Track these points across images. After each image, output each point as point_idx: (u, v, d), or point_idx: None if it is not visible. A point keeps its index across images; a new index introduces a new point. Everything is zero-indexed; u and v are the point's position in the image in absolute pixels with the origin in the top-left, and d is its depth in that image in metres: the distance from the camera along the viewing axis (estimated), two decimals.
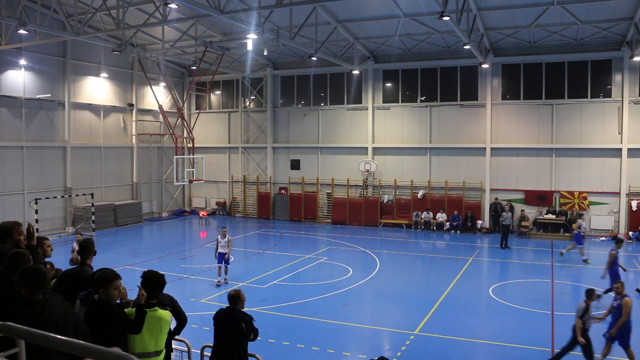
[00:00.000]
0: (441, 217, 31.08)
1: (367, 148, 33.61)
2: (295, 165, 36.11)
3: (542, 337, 13.74)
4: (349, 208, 33.69)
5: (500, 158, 30.78)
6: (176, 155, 32.94)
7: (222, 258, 18.92)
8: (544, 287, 18.86)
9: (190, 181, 32.89)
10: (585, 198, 28.91)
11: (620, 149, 28.19)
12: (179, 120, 35.20)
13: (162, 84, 36.14)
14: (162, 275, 6.59)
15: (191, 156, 33.77)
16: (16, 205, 27.56)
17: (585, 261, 22.65)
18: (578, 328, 11.05)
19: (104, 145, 32.93)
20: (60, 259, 14.80)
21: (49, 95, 29.14)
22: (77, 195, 30.37)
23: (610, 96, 28.67)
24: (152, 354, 6.07)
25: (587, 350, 11.08)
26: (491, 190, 30.90)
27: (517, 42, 29.51)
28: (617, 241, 17.61)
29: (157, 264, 21.81)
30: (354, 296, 17.79)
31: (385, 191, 33.35)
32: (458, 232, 30.38)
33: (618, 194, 28.41)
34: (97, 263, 6.95)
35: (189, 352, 8.49)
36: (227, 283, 18.81)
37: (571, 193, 29.17)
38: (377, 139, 33.52)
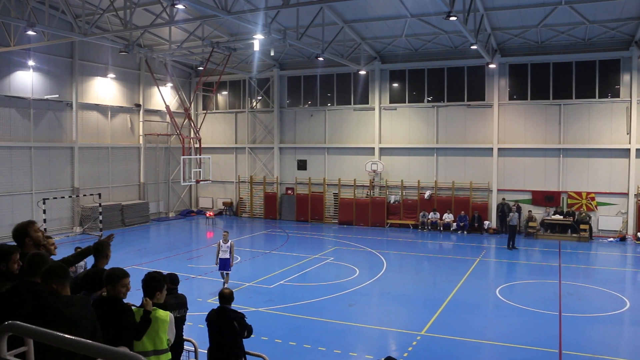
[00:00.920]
0: (448, 217, 31.01)
1: (373, 148, 33.59)
2: (302, 165, 36.13)
3: (549, 338, 13.67)
4: (355, 208, 33.67)
5: (507, 158, 30.69)
6: (183, 155, 33.02)
7: (224, 264, 17.95)
8: (551, 288, 18.78)
9: (197, 181, 32.97)
10: (593, 199, 28.77)
11: (629, 149, 28.04)
12: (186, 120, 35.28)
13: (169, 85, 36.24)
14: (161, 277, 6.66)
15: (198, 156, 33.86)
16: (24, 205, 27.70)
17: None
18: None
19: (112, 146, 33.04)
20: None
21: (57, 95, 29.27)
22: (84, 195, 30.49)
23: (618, 96, 28.53)
24: (151, 353, 6.11)
25: None
26: (498, 190, 30.81)
27: (524, 42, 29.41)
28: None
29: (164, 264, 21.90)
30: (361, 296, 17.78)
31: (392, 191, 33.31)
32: (465, 232, 30.31)
33: (626, 194, 28.26)
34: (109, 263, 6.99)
35: (195, 351, 8.52)
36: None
37: (579, 194, 29.05)
38: (384, 139, 33.49)
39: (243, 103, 38.24)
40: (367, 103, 33.97)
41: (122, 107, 33.77)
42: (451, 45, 30.51)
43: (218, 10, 19.84)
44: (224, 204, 38.29)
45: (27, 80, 27.96)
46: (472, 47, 25.15)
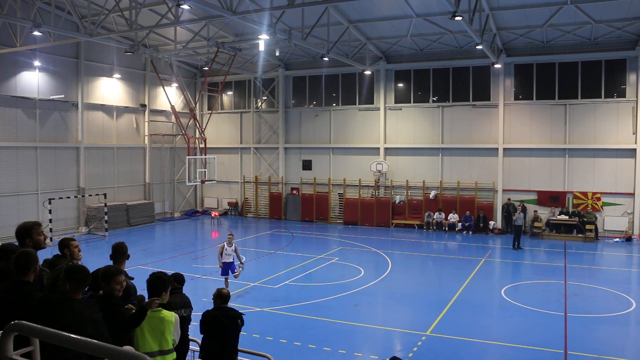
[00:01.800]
0: (453, 217, 30.97)
1: (379, 148, 33.57)
2: (307, 165, 36.13)
3: (555, 338, 13.64)
4: (360, 208, 33.65)
5: (512, 158, 30.62)
6: (188, 155, 33.08)
7: (229, 268, 17.54)
8: (556, 288, 18.73)
9: (202, 181, 33.00)
10: (598, 199, 28.68)
11: (635, 150, 27.94)
12: (191, 120, 35.33)
13: (175, 85, 36.31)
14: (166, 277, 6.67)
15: (203, 156, 33.88)
16: (30, 205, 27.80)
17: None
18: None
19: (117, 146, 33.13)
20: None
21: (63, 96, 29.36)
22: (90, 195, 30.58)
23: (624, 96, 28.42)
24: (157, 353, 6.12)
25: None
26: (504, 190, 30.74)
27: (529, 42, 29.34)
28: None
29: (169, 264, 21.94)
30: (366, 297, 17.77)
31: (397, 192, 33.28)
32: (470, 232, 30.26)
33: (632, 194, 28.15)
34: (110, 262, 6.99)
35: (201, 351, 8.52)
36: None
37: (584, 194, 28.96)
38: (389, 140, 33.46)
39: (248, 103, 38.27)
40: (372, 103, 33.95)
41: (127, 107, 33.85)
42: (456, 45, 30.47)
43: (223, 10, 19.87)
44: (229, 204, 38.34)
45: (33, 80, 28.06)
46: (477, 47, 25.07)
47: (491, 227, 30.29)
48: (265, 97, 37.62)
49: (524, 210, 28.35)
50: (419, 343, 13.38)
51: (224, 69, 33.15)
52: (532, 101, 30.30)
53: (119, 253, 7.10)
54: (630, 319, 15.67)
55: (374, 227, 32.66)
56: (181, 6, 19.22)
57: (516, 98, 30.72)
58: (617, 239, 27.84)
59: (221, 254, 17.57)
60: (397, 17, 26.92)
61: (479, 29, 23.84)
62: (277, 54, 31.22)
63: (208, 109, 38.56)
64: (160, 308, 6.30)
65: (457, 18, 19.08)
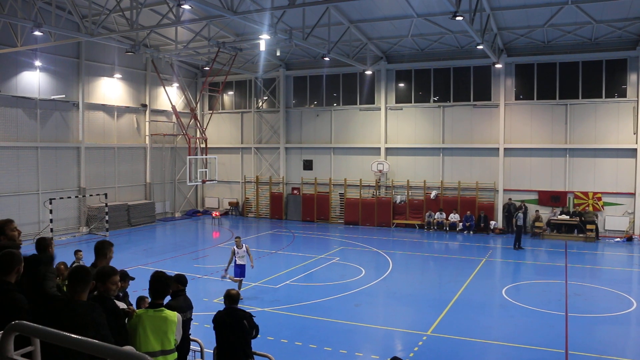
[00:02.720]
0: (454, 217, 30.96)
1: (379, 148, 33.56)
2: (307, 165, 36.13)
3: (556, 338, 13.63)
4: (361, 208, 33.65)
5: (513, 158, 30.61)
6: (189, 155, 33.07)
7: (241, 271, 17.03)
8: (557, 288, 18.72)
9: (203, 181, 33.00)
10: (599, 199, 28.67)
11: (636, 149, 27.92)
12: (192, 120, 35.32)
13: (175, 85, 36.32)
14: (168, 277, 6.66)
15: (204, 156, 33.88)
16: (31, 205, 27.82)
17: None
18: None
19: (118, 146, 33.14)
20: (73, 259, 14.90)
21: (64, 96, 29.37)
22: (91, 195, 30.59)
23: (625, 96, 28.40)
24: (159, 353, 6.12)
25: None
26: (504, 190, 30.73)
27: (530, 41, 29.33)
28: None
29: (170, 264, 21.94)
30: (367, 297, 17.77)
31: (397, 191, 33.28)
32: (471, 232, 30.25)
33: (633, 194, 28.13)
34: (111, 263, 6.99)
35: (201, 352, 8.54)
36: (241, 299, 16.77)
37: (585, 194, 28.95)
38: (390, 140, 33.46)
39: (249, 103, 38.28)
40: (373, 103, 33.95)
41: (128, 107, 33.86)
42: (457, 45, 30.46)
43: (224, 10, 19.87)
44: (230, 204, 38.34)
45: (34, 80, 28.07)
46: (478, 47, 25.07)
47: (492, 227, 30.29)
48: (266, 97, 37.63)
49: (525, 210, 28.35)
50: (420, 343, 13.37)
51: (224, 69, 33.14)
52: (532, 101, 30.29)
53: (98, 251, 7.01)
54: (631, 319, 15.65)
55: (374, 227, 32.65)
56: (182, 6, 19.23)
57: (517, 98, 30.71)
58: (618, 239, 27.82)
59: (232, 258, 17.10)
60: (398, 17, 26.92)
61: (480, 29, 23.83)
62: (278, 54, 31.23)
63: (209, 109, 38.57)
64: (162, 308, 6.30)
65: (458, 18, 19.09)
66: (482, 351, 13.12)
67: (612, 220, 28.56)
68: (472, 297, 17.65)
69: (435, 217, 31.37)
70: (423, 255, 25.37)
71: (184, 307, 8.07)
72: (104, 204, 29.85)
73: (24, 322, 3.26)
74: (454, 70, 31.83)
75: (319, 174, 35.54)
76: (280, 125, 36.63)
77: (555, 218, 28.93)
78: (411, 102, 33.11)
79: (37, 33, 21.84)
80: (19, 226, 6.28)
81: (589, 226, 27.92)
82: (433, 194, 31.96)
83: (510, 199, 30.21)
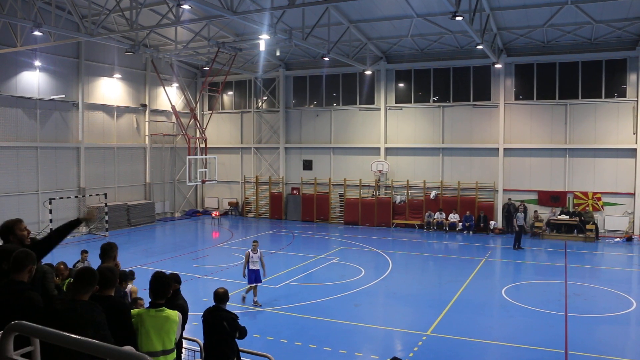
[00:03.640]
0: (454, 217, 30.97)
1: (379, 148, 33.57)
2: (307, 165, 36.13)
3: (556, 338, 13.64)
4: (361, 208, 33.65)
5: (513, 158, 30.61)
6: (189, 155, 33.06)
7: (256, 276, 16.55)
8: (557, 288, 18.73)
9: (203, 181, 32.99)
10: (599, 199, 28.67)
11: (635, 149, 27.93)
12: (192, 120, 35.31)
13: (175, 85, 36.31)
14: (169, 277, 6.66)
15: (204, 156, 33.86)
16: (31, 205, 27.80)
17: None
18: None
19: (117, 146, 33.14)
20: (73, 258, 14.92)
21: (63, 96, 29.37)
22: (90, 195, 30.58)
23: (624, 96, 28.41)
24: (160, 353, 6.12)
25: None
26: (504, 190, 30.73)
27: (530, 42, 29.34)
28: None
29: (169, 264, 21.94)
30: (366, 297, 17.78)
31: (397, 192, 33.28)
32: (471, 232, 30.25)
33: (633, 194, 28.13)
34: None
35: (201, 351, 8.53)
36: (259, 306, 16.37)
37: (585, 194, 28.95)
38: (390, 140, 33.46)
39: (249, 103, 38.28)
40: (373, 103, 33.95)
41: (128, 107, 33.86)
42: (457, 45, 30.47)
43: (224, 10, 19.87)
44: (229, 204, 38.34)
45: (34, 80, 28.07)
46: (477, 47, 25.07)
47: (492, 227, 30.29)
48: (266, 97, 37.63)
49: (524, 210, 28.35)
50: (420, 343, 13.38)
51: (224, 69, 33.13)
52: (532, 101, 30.29)
53: (105, 253, 7.21)
54: (630, 319, 15.66)
55: (374, 227, 32.65)
56: (182, 6, 19.23)
57: (517, 98, 30.71)
58: (618, 239, 27.82)
59: (247, 262, 16.61)
60: (398, 17, 26.93)
61: (480, 29, 23.84)
62: (278, 54, 31.23)
63: (209, 109, 38.57)
64: (163, 307, 6.31)
65: (457, 18, 19.09)
66: (481, 351, 13.12)
67: (611, 220, 28.56)
68: (471, 297, 17.65)
69: (435, 217, 31.37)
70: (423, 255, 25.37)
71: (185, 305, 8.07)
72: (104, 204, 29.85)
73: (24, 322, 3.25)
74: (454, 70, 31.83)
75: (319, 174, 35.54)
76: (280, 125, 36.63)
77: (554, 218, 28.93)
78: (411, 102, 33.11)
79: (36, 33, 21.84)
80: None
81: (588, 226, 27.93)
82: (433, 194, 31.96)
83: (509, 199, 30.21)
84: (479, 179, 31.20)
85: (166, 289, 6.55)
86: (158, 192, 36.21)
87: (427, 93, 32.79)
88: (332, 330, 14.39)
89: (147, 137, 35.19)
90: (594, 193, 28.77)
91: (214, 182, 34.01)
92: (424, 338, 13.72)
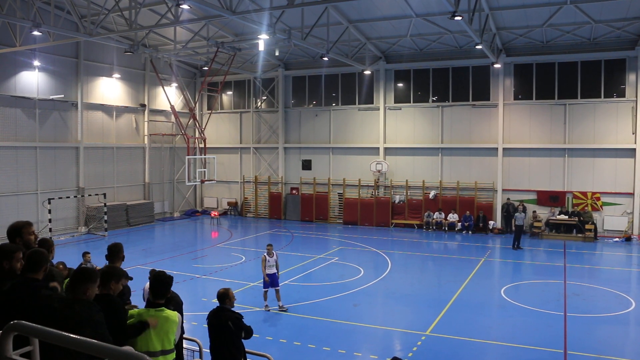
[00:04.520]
0: (453, 217, 30.98)
1: (378, 148, 33.57)
2: (306, 165, 36.12)
3: (555, 338, 13.64)
4: (360, 208, 33.65)
5: (512, 158, 30.62)
6: (188, 155, 33.07)
7: (272, 280, 16.06)
8: (556, 288, 18.73)
9: (202, 181, 32.99)
10: (598, 199, 28.68)
11: (634, 149, 27.94)
12: (191, 120, 35.31)
13: (174, 85, 36.30)
14: (169, 276, 6.66)
15: (203, 156, 33.87)
16: (30, 205, 27.79)
17: None
18: None
19: (117, 146, 33.12)
20: (73, 258, 14.91)
21: (62, 96, 29.36)
22: (89, 195, 30.57)
23: (624, 96, 28.42)
24: (159, 353, 6.11)
25: None
26: (503, 190, 30.74)
27: (529, 41, 29.35)
28: None
29: (168, 264, 21.93)
30: (366, 296, 17.77)
31: (396, 191, 33.28)
32: (470, 232, 30.26)
33: (632, 194, 28.15)
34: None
35: (200, 351, 8.54)
36: (285, 311, 15.90)
37: (584, 194, 28.96)
38: (389, 139, 33.47)
39: (248, 103, 38.27)
40: (372, 103, 33.95)
41: (127, 107, 33.85)
42: (456, 45, 30.47)
43: (223, 10, 19.86)
44: (228, 203, 38.33)
45: (33, 80, 28.06)
46: (477, 47, 25.06)
47: (491, 227, 30.30)
48: (265, 97, 37.62)
49: (523, 210, 28.36)
50: (419, 343, 13.38)
51: (223, 69, 33.14)
52: (531, 101, 30.30)
53: (113, 254, 7.27)
54: (629, 319, 15.67)
55: (373, 227, 32.66)
56: (181, 6, 19.23)
57: (516, 98, 30.72)
58: (617, 239, 27.84)
59: (264, 266, 16.01)
60: (397, 17, 26.93)
61: (479, 29, 23.84)
62: (277, 53, 31.24)
63: (208, 109, 38.55)
64: (163, 308, 6.30)
65: (456, 18, 19.08)
66: (481, 351, 13.12)
67: (610, 220, 28.58)
68: (471, 297, 17.66)
69: (434, 217, 31.38)
70: (422, 255, 25.37)
71: (179, 298, 8.03)
72: (103, 204, 29.85)
73: (23, 322, 3.25)
74: (453, 70, 31.83)
75: (318, 173, 35.54)
76: (279, 125, 36.63)
77: (554, 218, 28.95)
78: (410, 102, 33.11)
79: (35, 33, 21.83)
80: None
81: (587, 226, 27.95)
82: (432, 193, 31.97)
83: (508, 199, 30.22)
84: (478, 179, 31.21)
85: (166, 289, 6.54)
86: (157, 192, 36.19)
87: (426, 93, 32.80)
88: (331, 330, 14.38)
89: (146, 137, 35.18)
90: (593, 193, 28.78)
91: (213, 182, 34.00)
92: (423, 338, 13.73)
